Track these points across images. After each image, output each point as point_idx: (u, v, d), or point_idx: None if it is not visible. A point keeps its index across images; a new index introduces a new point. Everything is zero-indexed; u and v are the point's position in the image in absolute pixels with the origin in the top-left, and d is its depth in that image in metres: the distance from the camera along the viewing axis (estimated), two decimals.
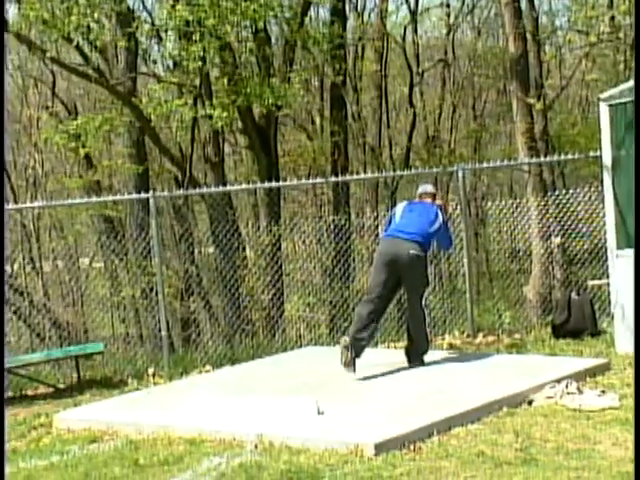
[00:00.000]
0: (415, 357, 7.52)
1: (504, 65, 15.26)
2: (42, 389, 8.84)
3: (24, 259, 16.33)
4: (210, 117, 11.80)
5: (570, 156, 10.61)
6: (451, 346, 9.09)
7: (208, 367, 9.04)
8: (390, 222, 7.67)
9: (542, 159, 10.46)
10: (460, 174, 9.67)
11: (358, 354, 7.13)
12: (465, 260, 9.60)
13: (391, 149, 17.69)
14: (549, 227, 10.08)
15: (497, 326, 9.79)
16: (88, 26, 11.78)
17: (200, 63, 11.54)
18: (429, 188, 7.94)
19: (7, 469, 5.81)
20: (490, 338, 9.30)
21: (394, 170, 15.27)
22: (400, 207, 7.77)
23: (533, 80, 11.06)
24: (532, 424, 5.76)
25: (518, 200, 10.52)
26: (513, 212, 10.07)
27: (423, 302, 7.52)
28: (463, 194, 9.79)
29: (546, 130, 11.39)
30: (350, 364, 7.05)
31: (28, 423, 7.30)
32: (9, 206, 12.96)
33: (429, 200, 7.75)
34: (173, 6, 11.03)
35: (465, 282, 9.65)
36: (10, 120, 18.50)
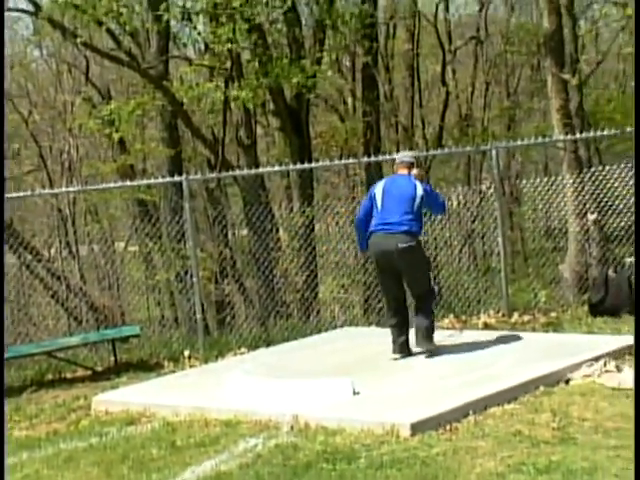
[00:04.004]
0: (427, 342, 7.13)
1: (538, 41, 15.03)
2: (80, 372, 8.93)
3: (60, 243, 16.51)
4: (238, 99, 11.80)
5: (606, 132, 10.46)
6: (486, 325, 9.04)
7: (243, 349, 9.06)
8: (371, 204, 7.18)
9: (578, 135, 10.31)
10: (494, 152, 9.59)
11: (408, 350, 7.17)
12: (499, 239, 9.52)
13: (424, 128, 17.58)
14: (585, 204, 9.93)
15: (533, 305, 9.70)
16: (119, 10, 11.81)
17: (229, 45, 11.53)
18: (406, 158, 7.42)
19: (50, 450, 5.91)
20: (526, 317, 9.23)
21: (427, 149, 15.17)
22: (379, 188, 7.22)
23: (568, 55, 10.84)
24: (570, 403, 5.71)
25: (553, 177, 10.38)
26: (548, 190, 9.93)
27: (432, 282, 7.36)
28: (497, 173, 9.72)
29: (582, 106, 11.17)
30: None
31: (67, 405, 7.41)
32: (45, 191, 13.16)
33: (406, 171, 7.28)
34: None
35: (500, 261, 9.59)
36: (45, 106, 18.69)
